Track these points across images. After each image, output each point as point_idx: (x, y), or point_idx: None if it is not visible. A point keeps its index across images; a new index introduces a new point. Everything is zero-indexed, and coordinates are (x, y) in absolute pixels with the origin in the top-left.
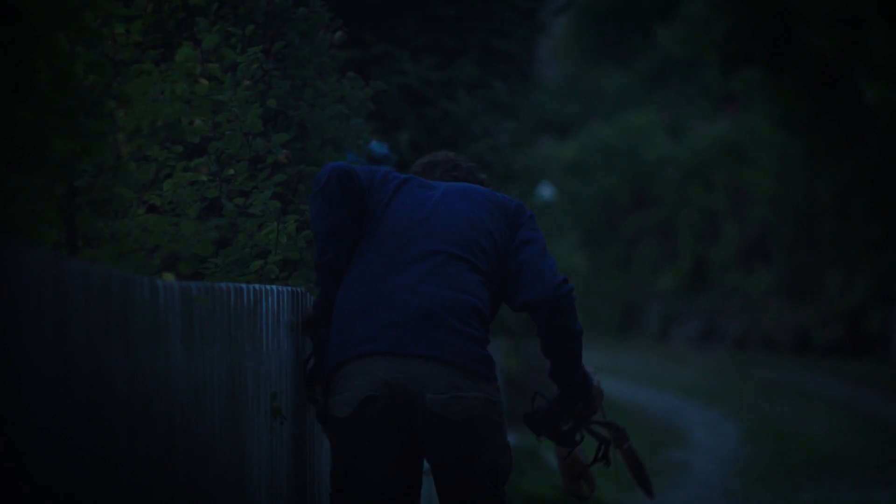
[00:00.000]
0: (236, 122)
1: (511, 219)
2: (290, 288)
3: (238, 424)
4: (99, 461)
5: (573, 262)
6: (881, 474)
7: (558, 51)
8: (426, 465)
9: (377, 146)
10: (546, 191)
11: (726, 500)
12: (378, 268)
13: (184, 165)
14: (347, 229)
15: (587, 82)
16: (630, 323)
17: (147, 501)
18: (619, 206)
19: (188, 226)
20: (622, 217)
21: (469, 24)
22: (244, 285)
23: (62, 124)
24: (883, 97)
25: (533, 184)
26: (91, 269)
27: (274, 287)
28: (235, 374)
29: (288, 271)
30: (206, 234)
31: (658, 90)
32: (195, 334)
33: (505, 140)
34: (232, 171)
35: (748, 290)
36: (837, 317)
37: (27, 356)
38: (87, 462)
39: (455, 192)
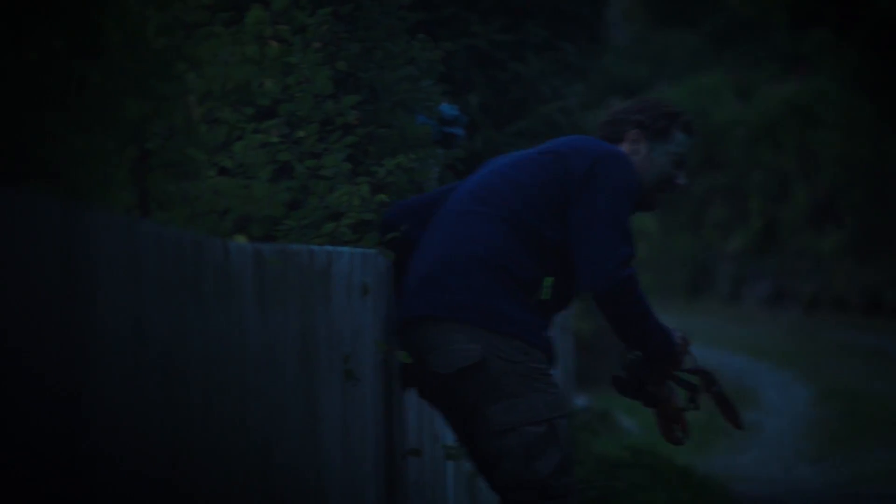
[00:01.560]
0: (306, 84)
1: (576, 181)
2: (362, 250)
3: (311, 386)
4: (174, 421)
5: (644, 225)
6: None
7: (627, 12)
8: None
9: (447, 108)
10: None
11: (798, 460)
12: (419, 248)
13: (254, 128)
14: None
15: (655, 44)
16: (700, 285)
17: (222, 463)
18: (688, 167)
19: (260, 188)
20: (692, 178)
21: None
22: (316, 247)
23: (133, 87)
24: None
25: None
26: (164, 232)
27: (346, 249)
28: (307, 336)
29: (360, 233)
30: (278, 196)
31: (726, 52)
32: (267, 296)
33: (575, 102)
34: (303, 134)
35: (818, 251)
36: None
37: (102, 319)
38: (162, 423)
39: (521, 154)
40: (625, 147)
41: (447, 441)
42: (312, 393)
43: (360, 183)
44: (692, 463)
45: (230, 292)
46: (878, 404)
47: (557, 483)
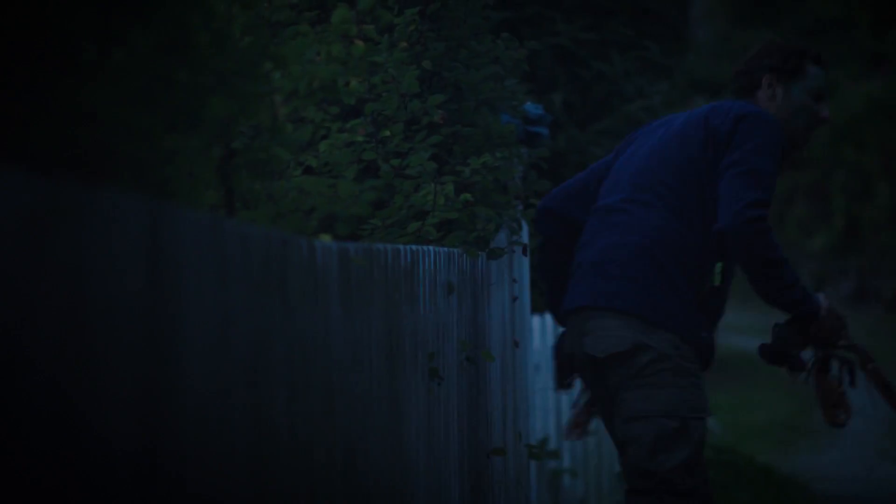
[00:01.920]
0: (392, 83)
1: (722, 142)
2: (446, 249)
3: (395, 385)
4: (259, 423)
5: None
6: None
7: (710, 10)
8: None
9: (532, 107)
10: None
11: (881, 459)
12: (583, 235)
13: (340, 127)
14: (557, 269)
15: (738, 42)
16: None
17: (306, 462)
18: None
19: (345, 187)
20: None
21: None
22: (401, 246)
23: (219, 86)
24: None
25: None
26: (250, 230)
27: (431, 248)
28: (392, 335)
29: (445, 232)
30: (364, 195)
31: None
32: (353, 295)
33: (658, 100)
34: (388, 133)
35: None
36: None
37: (189, 316)
38: (247, 424)
39: (670, 126)
40: (762, 94)
41: (531, 440)
42: (397, 392)
43: (445, 182)
44: (774, 462)
45: (316, 291)
46: None
47: (681, 481)
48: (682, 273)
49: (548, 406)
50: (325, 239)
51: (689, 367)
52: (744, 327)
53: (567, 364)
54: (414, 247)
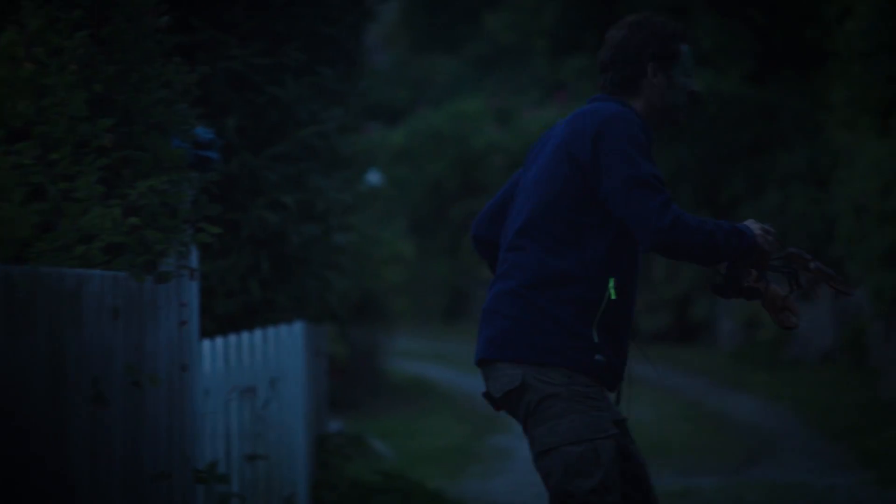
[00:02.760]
0: (61, 106)
1: (589, 171)
2: (113, 273)
3: (59, 409)
4: None
5: (401, 249)
6: (705, 461)
7: (388, 37)
8: None
9: (203, 131)
10: (374, 177)
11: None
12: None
13: (6, 149)
14: None
15: (417, 69)
16: (458, 309)
17: None
18: (447, 192)
19: (10, 210)
20: (450, 204)
21: (296, 10)
22: (66, 269)
23: None
24: (710, 85)
25: (361, 170)
26: None
27: (97, 272)
28: (57, 359)
29: (112, 255)
30: (28, 217)
31: (488, 77)
32: (16, 318)
33: (332, 126)
34: (56, 156)
35: None
36: (664, 305)
37: None
38: None
39: (542, 157)
40: (647, 82)
41: (199, 464)
42: (61, 416)
43: (112, 206)
44: (444, 488)
45: None
46: (632, 430)
47: (600, 501)
48: (565, 305)
49: (217, 430)
50: None
51: (585, 392)
52: (417, 353)
53: (489, 402)
54: (80, 270)
